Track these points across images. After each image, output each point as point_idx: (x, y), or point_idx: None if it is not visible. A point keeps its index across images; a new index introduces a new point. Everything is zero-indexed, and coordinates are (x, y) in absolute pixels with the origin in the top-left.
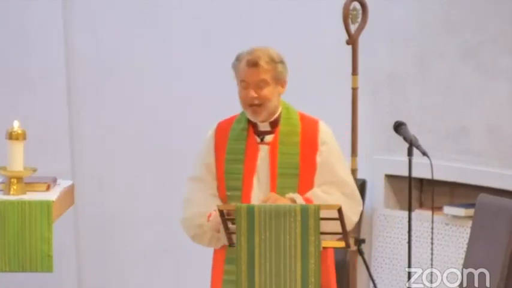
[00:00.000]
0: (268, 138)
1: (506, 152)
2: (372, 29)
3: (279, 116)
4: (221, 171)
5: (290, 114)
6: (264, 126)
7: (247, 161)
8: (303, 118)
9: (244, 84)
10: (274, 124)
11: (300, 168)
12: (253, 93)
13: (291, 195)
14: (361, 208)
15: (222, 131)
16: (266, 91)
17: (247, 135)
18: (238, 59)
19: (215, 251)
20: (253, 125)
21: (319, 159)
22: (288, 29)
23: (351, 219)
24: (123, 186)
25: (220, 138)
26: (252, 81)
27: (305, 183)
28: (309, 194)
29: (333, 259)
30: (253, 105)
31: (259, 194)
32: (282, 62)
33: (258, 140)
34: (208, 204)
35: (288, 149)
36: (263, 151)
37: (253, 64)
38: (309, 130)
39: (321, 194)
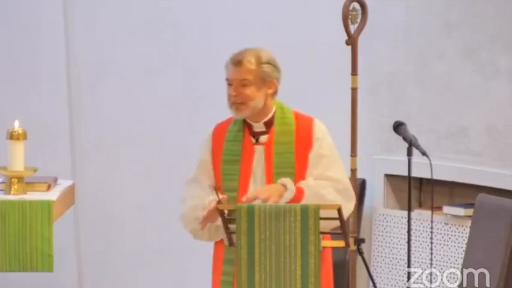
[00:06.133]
0: (263, 138)
1: (505, 152)
2: (371, 29)
3: (273, 116)
4: (218, 171)
5: (285, 113)
6: (258, 127)
7: (244, 163)
8: (298, 117)
9: (227, 82)
10: (268, 124)
11: (296, 167)
12: (232, 92)
13: (282, 180)
14: (352, 205)
15: (220, 132)
16: (248, 90)
17: (243, 136)
18: (229, 59)
19: (215, 251)
20: (248, 126)
21: (311, 155)
22: (288, 29)
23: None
24: (124, 186)
25: (217, 139)
26: (234, 79)
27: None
28: (301, 184)
29: (331, 260)
30: (236, 103)
31: None
32: (269, 62)
33: (253, 140)
34: (203, 197)
35: (283, 148)
36: (258, 152)
37: (237, 63)
38: (304, 128)
39: (313, 184)
